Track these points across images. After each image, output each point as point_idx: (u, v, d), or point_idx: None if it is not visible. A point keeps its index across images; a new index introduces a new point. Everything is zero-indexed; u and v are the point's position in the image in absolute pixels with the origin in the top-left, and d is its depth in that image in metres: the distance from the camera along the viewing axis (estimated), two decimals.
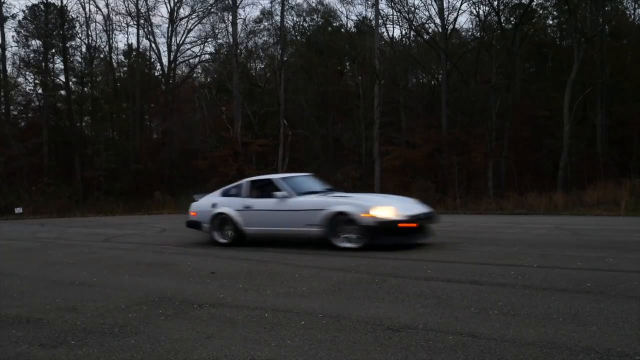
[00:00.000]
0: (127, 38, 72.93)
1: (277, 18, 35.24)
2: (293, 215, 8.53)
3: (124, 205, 27.80)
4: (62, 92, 37.54)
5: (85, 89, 39.67)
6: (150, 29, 38.10)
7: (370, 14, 35.19)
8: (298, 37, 39.25)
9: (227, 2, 35.06)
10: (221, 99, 36.63)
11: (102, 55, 38.81)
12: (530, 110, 30.67)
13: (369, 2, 33.82)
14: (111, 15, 43.73)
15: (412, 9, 36.89)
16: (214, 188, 32.16)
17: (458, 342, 3.23)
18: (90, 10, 53.94)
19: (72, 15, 37.67)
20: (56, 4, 35.76)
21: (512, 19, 30.61)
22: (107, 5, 51.22)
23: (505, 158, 27.53)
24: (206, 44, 47.06)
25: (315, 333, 3.49)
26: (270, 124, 33.96)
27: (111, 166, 32.44)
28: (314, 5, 38.47)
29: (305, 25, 39.41)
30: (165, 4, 51.94)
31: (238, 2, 33.85)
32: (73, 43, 37.31)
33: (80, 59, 38.72)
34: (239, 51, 33.97)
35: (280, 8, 34.50)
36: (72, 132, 35.75)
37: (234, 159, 30.36)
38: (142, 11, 36.60)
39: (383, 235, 7.88)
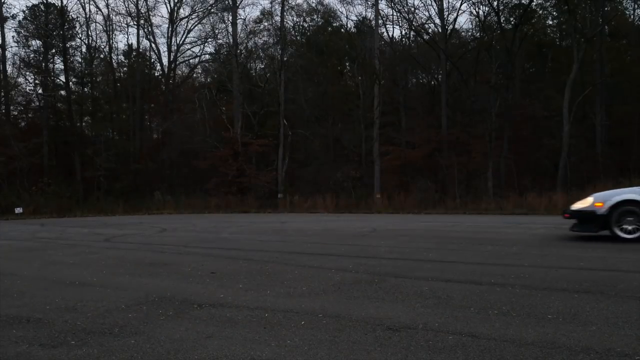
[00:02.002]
0: (127, 38, 73.00)
1: (277, 18, 35.27)
2: None
3: (124, 205, 27.80)
4: (62, 92, 37.55)
5: (86, 89, 39.68)
6: (150, 29, 38.16)
7: (370, 14, 35.22)
8: (298, 37, 39.26)
9: (227, 2, 35.09)
10: (221, 99, 36.65)
11: (102, 56, 38.86)
12: (530, 110, 30.66)
13: (369, 2, 33.85)
14: (111, 15, 43.88)
15: (412, 9, 37.03)
16: (214, 188, 31.94)
17: (458, 342, 3.23)
18: (90, 11, 54.10)
19: (72, 15, 37.79)
20: (56, 4, 35.81)
21: (512, 19, 30.62)
22: (107, 5, 51.48)
23: (505, 158, 27.53)
24: (206, 44, 47.19)
25: (315, 333, 3.49)
26: (270, 124, 33.97)
27: (111, 166, 32.45)
28: (314, 5, 38.56)
29: (305, 25, 39.44)
30: (165, 4, 52.07)
31: (238, 2, 33.90)
32: (73, 43, 37.37)
33: (80, 59, 38.78)
34: (239, 51, 33.99)
35: (280, 8, 34.56)
36: (72, 132, 35.76)
37: (234, 159, 30.38)
38: (142, 11, 36.66)
39: None
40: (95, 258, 7.85)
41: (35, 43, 36.40)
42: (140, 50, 40.05)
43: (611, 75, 30.89)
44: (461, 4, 54.13)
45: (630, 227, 8.08)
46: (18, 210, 24.48)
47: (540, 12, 34.00)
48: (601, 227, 8.35)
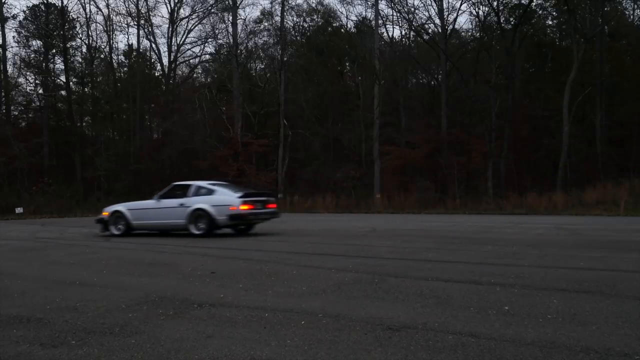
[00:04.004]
0: (128, 38, 72.82)
1: (277, 18, 35.30)
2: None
3: None
4: (63, 92, 37.53)
5: (86, 89, 39.67)
6: (150, 30, 38.17)
7: (370, 14, 35.24)
8: (298, 37, 39.26)
9: (227, 2, 35.09)
10: (221, 99, 36.63)
11: (102, 56, 38.84)
12: (530, 110, 30.65)
13: (369, 3, 33.86)
14: (111, 15, 43.87)
15: (412, 9, 37.01)
16: None
17: (458, 342, 3.24)
18: (90, 11, 54.03)
19: (73, 15, 37.73)
20: (57, 5, 35.79)
21: (511, 19, 30.60)
22: (107, 5, 51.50)
23: (505, 158, 27.52)
24: (206, 44, 47.19)
25: (315, 333, 3.49)
26: (270, 124, 33.97)
27: (112, 166, 32.43)
28: (314, 5, 38.52)
29: (305, 25, 39.44)
30: (166, 4, 52.03)
31: (238, 3, 33.89)
32: (73, 43, 37.35)
33: (80, 59, 38.75)
34: (239, 51, 33.98)
35: (280, 8, 34.58)
36: (72, 132, 35.75)
37: (234, 159, 30.37)
38: (143, 12, 36.65)
39: None
40: (96, 258, 7.85)
41: (36, 43, 36.42)
42: (141, 50, 40.08)
43: (611, 75, 30.87)
44: (461, 4, 54.19)
45: (119, 227, 12.16)
46: (18, 210, 24.48)
47: (540, 12, 34.01)
48: (107, 229, 12.31)
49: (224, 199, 11.18)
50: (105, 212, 12.53)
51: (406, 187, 27.05)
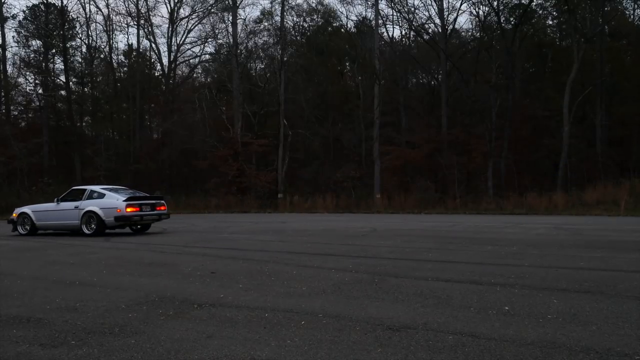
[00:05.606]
0: (127, 38, 73.02)
1: (277, 18, 35.25)
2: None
3: None
4: (63, 92, 37.53)
5: (86, 89, 39.67)
6: (150, 29, 38.13)
7: (370, 14, 35.20)
8: (298, 37, 39.22)
9: (227, 2, 35.06)
10: (221, 99, 36.61)
11: (102, 56, 38.84)
12: (530, 110, 30.64)
13: (369, 2, 33.82)
14: (111, 15, 43.87)
15: (412, 9, 36.98)
16: (214, 188, 32.26)
17: (458, 342, 3.23)
18: (90, 11, 53.99)
19: (73, 15, 37.78)
20: (56, 5, 35.80)
21: (511, 19, 30.59)
22: (107, 5, 51.52)
23: (505, 158, 27.52)
24: (206, 44, 47.11)
25: (315, 333, 3.49)
26: (270, 124, 33.95)
27: (111, 166, 32.40)
28: (314, 5, 38.47)
29: (305, 25, 39.40)
30: (166, 4, 52.04)
31: (238, 2, 33.86)
32: (73, 43, 37.37)
33: (80, 59, 38.77)
34: (239, 51, 33.95)
35: (280, 8, 34.53)
36: (72, 132, 35.74)
37: (234, 159, 30.35)
38: (142, 11, 36.63)
39: None
40: (95, 258, 7.85)
41: (36, 43, 36.43)
42: (140, 50, 40.09)
43: (611, 75, 30.86)
44: (461, 4, 54.19)
45: (26, 227, 13.22)
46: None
47: (540, 12, 33.99)
48: (16, 229, 13.39)
49: (111, 202, 12.29)
50: (15, 214, 13.69)
51: (406, 187, 27.04)
